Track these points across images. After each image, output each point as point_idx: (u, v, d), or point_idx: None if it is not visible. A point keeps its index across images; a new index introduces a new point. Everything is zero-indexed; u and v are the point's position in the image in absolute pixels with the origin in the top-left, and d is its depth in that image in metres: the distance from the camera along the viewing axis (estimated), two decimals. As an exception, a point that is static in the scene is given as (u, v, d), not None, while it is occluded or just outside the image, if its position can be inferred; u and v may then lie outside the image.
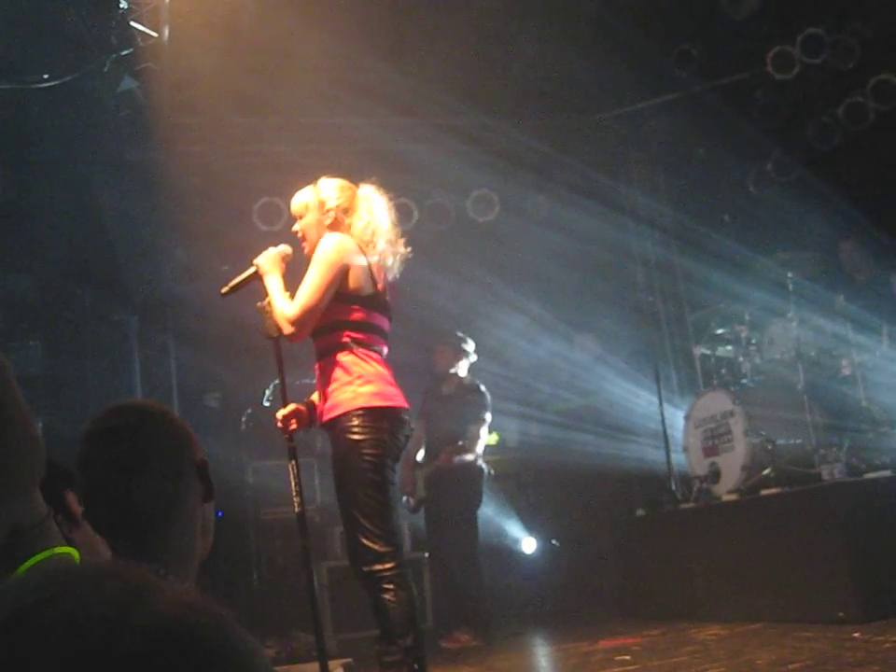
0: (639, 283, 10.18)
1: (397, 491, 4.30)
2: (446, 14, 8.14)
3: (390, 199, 4.46)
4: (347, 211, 4.31)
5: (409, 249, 4.39)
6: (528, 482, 9.50)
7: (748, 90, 8.78)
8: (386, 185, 9.26)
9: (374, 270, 4.18)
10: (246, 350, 8.19)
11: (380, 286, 4.20)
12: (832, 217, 8.24)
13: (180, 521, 1.75)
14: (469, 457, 7.46)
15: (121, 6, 6.67)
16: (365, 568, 3.90)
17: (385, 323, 4.25)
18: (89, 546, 2.19)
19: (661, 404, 8.09)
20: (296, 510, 4.02)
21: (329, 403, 4.08)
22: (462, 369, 7.84)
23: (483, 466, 7.73)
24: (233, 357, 8.54)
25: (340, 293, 4.09)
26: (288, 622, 7.67)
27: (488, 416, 7.70)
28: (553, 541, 9.05)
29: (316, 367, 4.21)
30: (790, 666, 4.57)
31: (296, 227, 4.40)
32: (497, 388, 8.95)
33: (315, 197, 4.33)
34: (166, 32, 6.99)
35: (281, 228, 8.73)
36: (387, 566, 3.87)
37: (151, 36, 6.88)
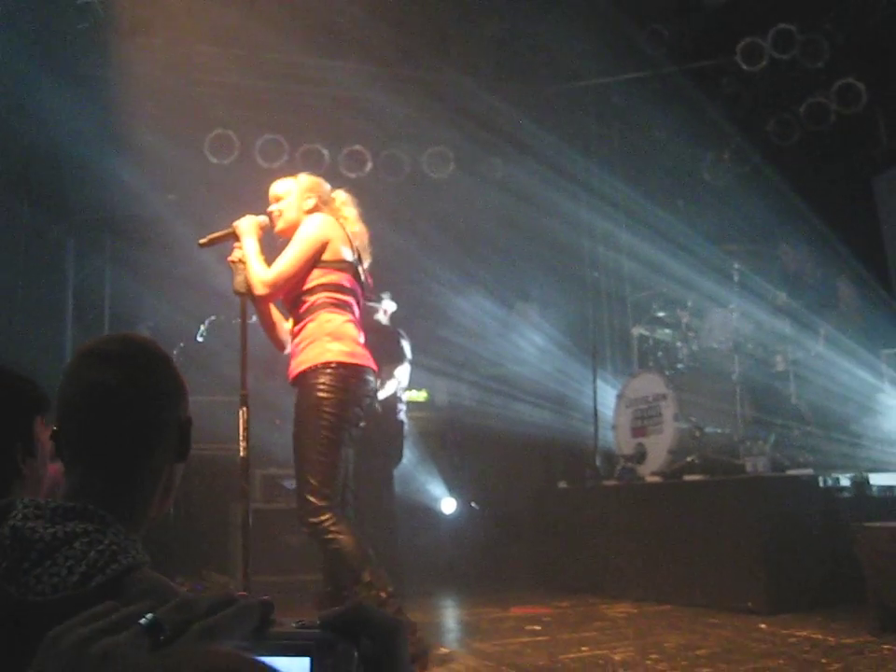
0: (585, 256, 10.18)
1: (349, 450, 4.40)
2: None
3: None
4: (327, 203, 4.61)
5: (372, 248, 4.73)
6: (453, 442, 9.49)
7: (714, 77, 8.79)
8: (344, 131, 9.20)
9: (351, 243, 4.48)
10: (183, 282, 8.04)
11: (355, 255, 4.49)
12: (782, 213, 8.31)
13: (145, 470, 1.62)
14: (381, 395, 7.26)
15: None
16: (308, 520, 4.13)
17: (358, 289, 4.50)
18: (34, 483, 2.08)
19: (595, 380, 8.12)
20: (241, 454, 4.10)
21: (298, 359, 4.29)
22: (382, 318, 7.72)
23: (405, 420, 7.69)
24: (169, 288, 8.37)
25: (320, 261, 4.35)
26: (201, 561, 7.60)
27: (403, 363, 7.56)
28: (473, 504, 9.09)
29: (293, 331, 4.42)
30: (697, 652, 4.64)
31: (273, 207, 4.58)
32: (430, 345, 8.90)
33: (298, 185, 4.60)
34: (134, -54, 6.76)
35: (231, 162, 8.56)
36: (324, 516, 4.10)
37: (118, -51, 6.65)
